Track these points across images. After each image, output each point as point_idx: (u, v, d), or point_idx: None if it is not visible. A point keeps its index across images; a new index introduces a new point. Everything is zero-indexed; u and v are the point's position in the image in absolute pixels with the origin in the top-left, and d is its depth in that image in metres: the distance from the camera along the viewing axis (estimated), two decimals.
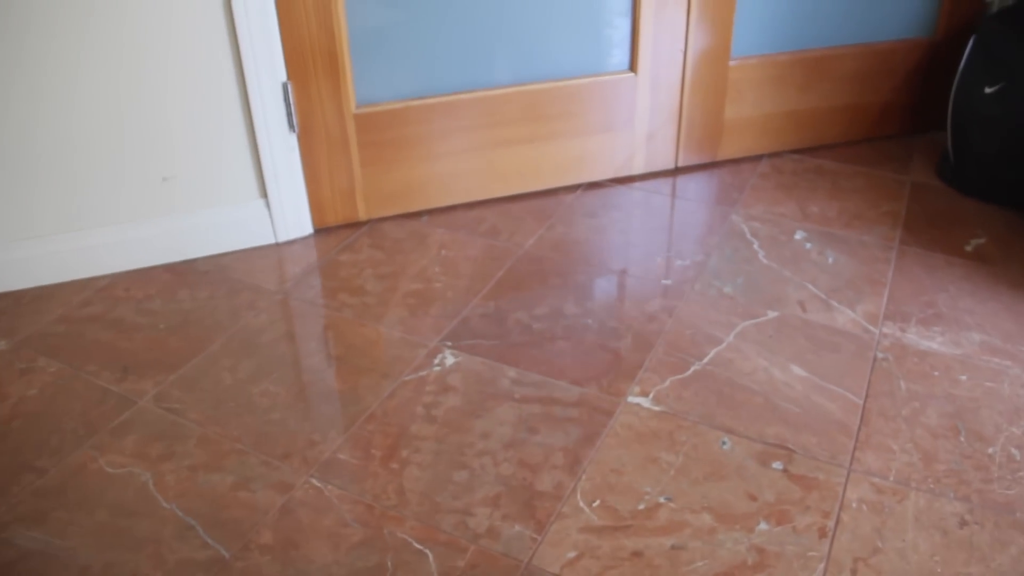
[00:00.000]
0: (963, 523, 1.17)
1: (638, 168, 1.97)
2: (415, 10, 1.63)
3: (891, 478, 1.23)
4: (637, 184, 1.97)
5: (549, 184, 1.92)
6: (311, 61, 1.59)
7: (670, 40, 1.81)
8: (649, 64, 1.83)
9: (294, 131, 1.65)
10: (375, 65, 1.66)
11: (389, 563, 1.13)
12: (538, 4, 1.72)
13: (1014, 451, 1.27)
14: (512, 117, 1.79)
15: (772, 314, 1.55)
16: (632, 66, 1.84)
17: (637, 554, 1.13)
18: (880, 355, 1.45)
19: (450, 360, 1.46)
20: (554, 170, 1.89)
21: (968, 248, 1.72)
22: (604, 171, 1.95)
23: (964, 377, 1.41)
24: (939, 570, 1.10)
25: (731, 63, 1.90)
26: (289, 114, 1.63)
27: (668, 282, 1.64)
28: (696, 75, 1.89)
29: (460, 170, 1.82)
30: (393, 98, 1.70)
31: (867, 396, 1.37)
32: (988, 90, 1.82)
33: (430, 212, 1.85)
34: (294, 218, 1.75)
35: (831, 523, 1.17)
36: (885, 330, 1.51)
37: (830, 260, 1.69)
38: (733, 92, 1.94)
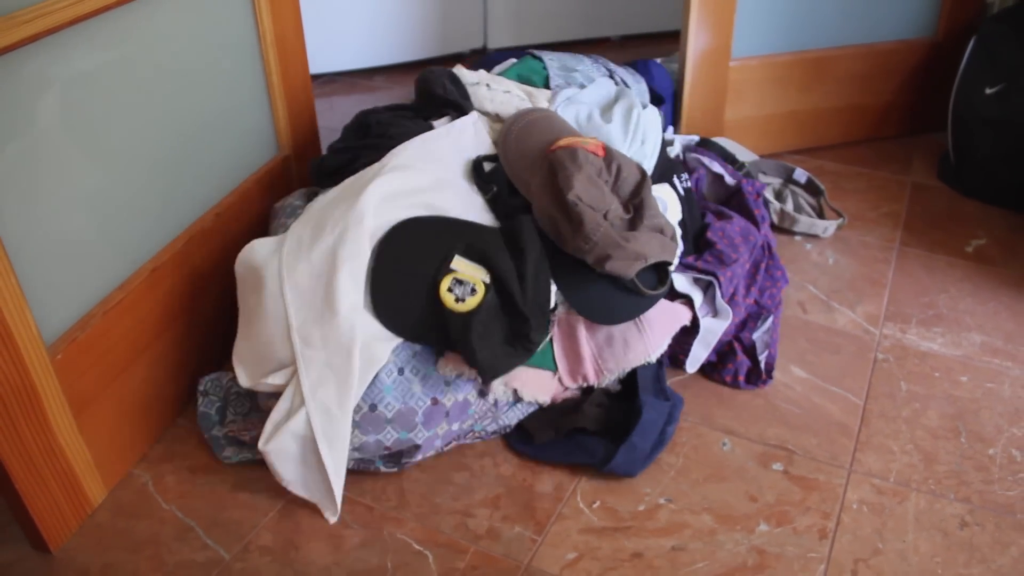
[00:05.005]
0: (964, 524, 1.16)
1: None
2: None
3: (891, 479, 1.23)
4: None
5: None
6: None
7: None
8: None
9: None
10: None
11: (389, 564, 1.12)
12: None
13: (1015, 452, 1.27)
14: None
15: None
16: None
17: (637, 555, 1.13)
18: (880, 356, 1.45)
19: None
20: None
21: (969, 249, 1.72)
22: None
23: (965, 378, 1.40)
24: (940, 571, 1.10)
25: (731, 64, 1.90)
26: None
27: None
28: (696, 76, 1.88)
29: None
30: None
31: (867, 397, 1.37)
32: (989, 91, 1.81)
33: None
34: None
35: (831, 524, 1.17)
36: (885, 331, 1.50)
37: (830, 261, 1.68)
38: (733, 93, 1.93)
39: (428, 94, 1.44)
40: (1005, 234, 1.76)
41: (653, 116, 1.49)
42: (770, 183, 1.83)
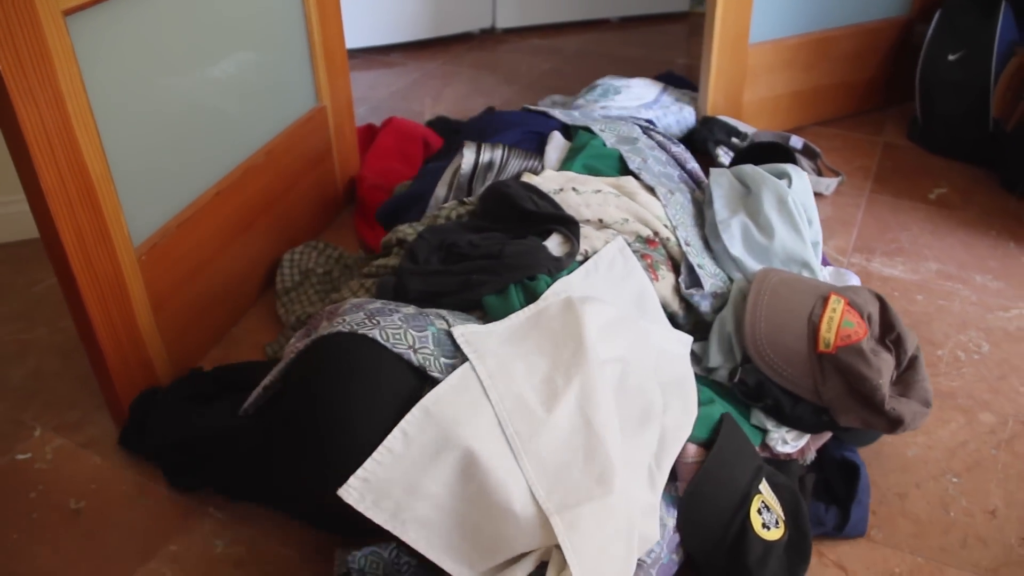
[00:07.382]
0: None
1: None
2: None
3: None
4: None
5: None
6: None
7: None
8: None
9: None
10: None
11: None
12: None
13: (960, 353, 1.47)
14: None
15: None
16: None
17: None
18: None
19: None
20: None
21: (931, 196, 1.92)
22: None
23: (920, 297, 1.61)
24: (889, 439, 1.30)
25: (749, 48, 2.00)
26: None
27: None
28: (719, 61, 1.98)
29: None
30: None
31: None
32: (951, 57, 2.01)
33: None
34: None
35: None
36: (852, 260, 1.71)
37: None
38: (751, 77, 2.04)
39: (514, 210, 1.27)
40: (965, 183, 1.97)
41: (799, 183, 1.38)
42: None
